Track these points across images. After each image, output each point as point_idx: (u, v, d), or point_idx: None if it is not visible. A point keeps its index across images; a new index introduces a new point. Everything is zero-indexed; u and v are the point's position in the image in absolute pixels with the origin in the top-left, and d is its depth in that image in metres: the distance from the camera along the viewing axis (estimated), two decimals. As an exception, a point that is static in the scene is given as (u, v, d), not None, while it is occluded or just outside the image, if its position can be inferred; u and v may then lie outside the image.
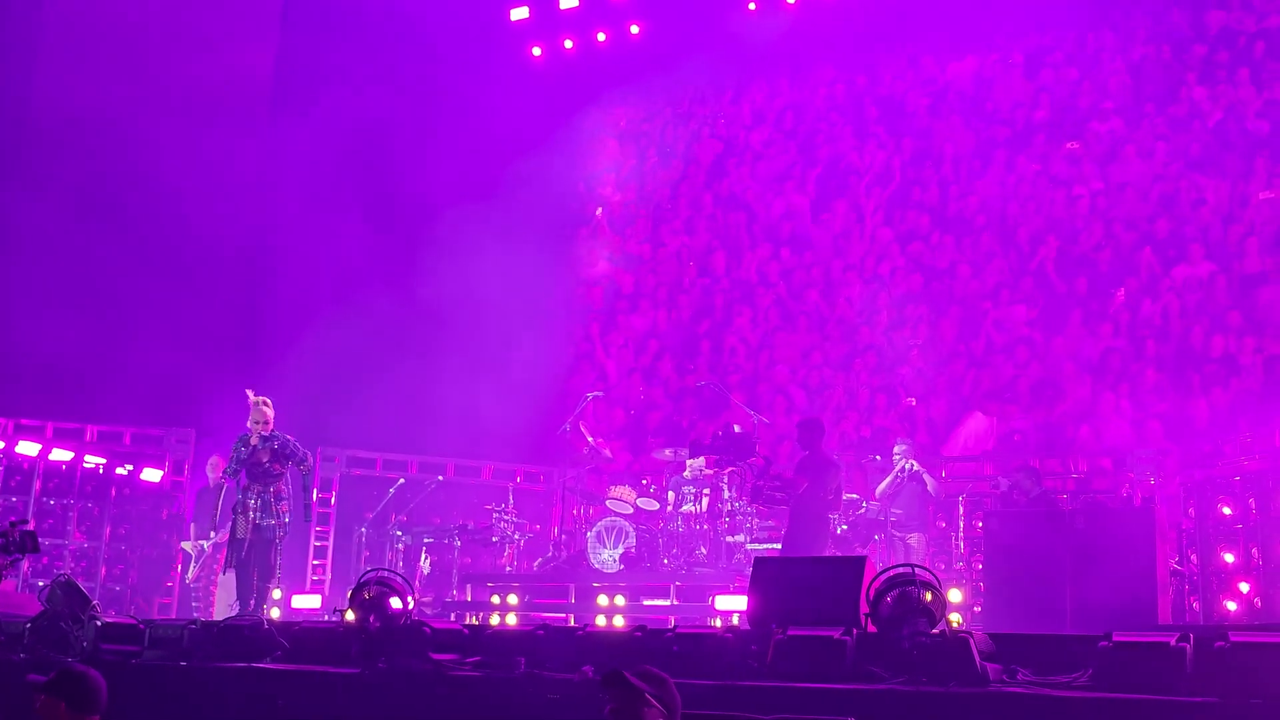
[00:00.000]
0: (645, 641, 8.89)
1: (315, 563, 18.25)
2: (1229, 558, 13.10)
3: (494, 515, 16.05)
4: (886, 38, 20.78)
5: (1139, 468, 14.29)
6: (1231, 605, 12.97)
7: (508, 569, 15.98)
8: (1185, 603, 13.48)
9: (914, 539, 14.05)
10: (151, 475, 17.84)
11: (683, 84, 22.02)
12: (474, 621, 13.79)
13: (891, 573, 8.49)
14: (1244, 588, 12.87)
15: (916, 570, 8.41)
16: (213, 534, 15.09)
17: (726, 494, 14.71)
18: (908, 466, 14.50)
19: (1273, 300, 16.65)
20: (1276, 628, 10.20)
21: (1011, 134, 19.77)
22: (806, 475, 13.08)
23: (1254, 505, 12.83)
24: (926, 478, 14.65)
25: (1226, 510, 13.21)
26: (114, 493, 17.10)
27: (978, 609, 12.80)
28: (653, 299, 21.64)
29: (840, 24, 20.70)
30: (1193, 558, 13.49)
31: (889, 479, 14.75)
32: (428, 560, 16.23)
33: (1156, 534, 11.80)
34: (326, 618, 13.60)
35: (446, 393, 18.36)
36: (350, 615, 9.65)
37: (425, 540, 16.29)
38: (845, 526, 14.00)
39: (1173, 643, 7.34)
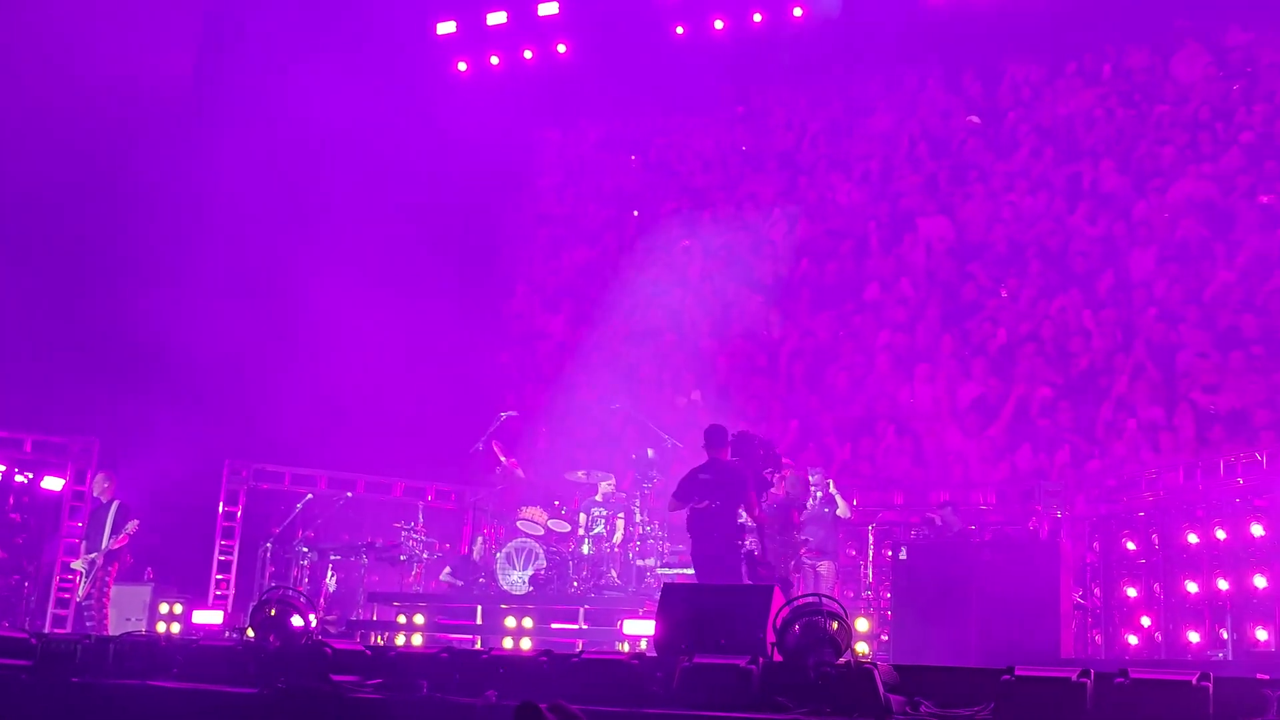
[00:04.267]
0: (551, 666, 8.80)
1: (219, 577, 18.02)
2: (1131, 592, 13.38)
3: (403, 533, 15.91)
4: (797, 68, 20.99)
5: (1046, 501, 14.54)
6: (1133, 639, 13.23)
7: (415, 588, 15.83)
8: (1088, 636, 13.71)
9: (824, 567, 14.12)
10: (52, 484, 17.47)
11: (610, 106, 22.08)
12: (379, 641, 13.68)
13: (798, 602, 8.53)
14: (1145, 622, 13.14)
15: (823, 600, 8.46)
16: (102, 545, 14.81)
17: (638, 517, 14.68)
18: (819, 493, 14.59)
19: (1180, 344, 17.14)
20: (1176, 665, 10.40)
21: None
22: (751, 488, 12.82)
23: (1157, 540, 13.12)
24: (839, 501, 14.76)
25: (1130, 545, 13.51)
26: (11, 500, 16.70)
27: (885, 638, 12.93)
28: (573, 321, 21.66)
29: (765, 52, 20.87)
30: (1096, 591, 13.74)
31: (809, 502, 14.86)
32: (334, 577, 16.03)
33: (1061, 567, 12.01)
34: (227, 635, 13.37)
35: (360, 408, 18.23)
36: (250, 633, 9.49)
37: (332, 557, 16.09)
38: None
39: (1074, 678, 7.41)
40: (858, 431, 18.56)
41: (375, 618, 15.23)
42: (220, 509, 18.44)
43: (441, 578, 16.27)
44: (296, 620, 9.71)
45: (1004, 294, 18.67)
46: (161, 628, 15.33)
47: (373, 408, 18.49)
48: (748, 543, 12.12)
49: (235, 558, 18.13)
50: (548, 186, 23.03)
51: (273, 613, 9.65)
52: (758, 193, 21.39)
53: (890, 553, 13.92)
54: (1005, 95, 20.16)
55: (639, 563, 14.54)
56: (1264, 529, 12.24)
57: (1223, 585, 12.43)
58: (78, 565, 15.41)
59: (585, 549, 14.72)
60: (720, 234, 21.33)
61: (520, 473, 16.41)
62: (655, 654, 9.17)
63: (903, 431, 18.36)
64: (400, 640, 13.86)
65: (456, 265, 20.51)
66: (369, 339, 18.97)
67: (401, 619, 14.41)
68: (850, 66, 20.74)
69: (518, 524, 15.21)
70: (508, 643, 13.24)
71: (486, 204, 22.19)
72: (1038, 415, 17.52)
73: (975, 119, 20.22)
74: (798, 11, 20.16)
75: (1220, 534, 12.57)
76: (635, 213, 22.20)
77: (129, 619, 12.76)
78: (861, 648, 11.02)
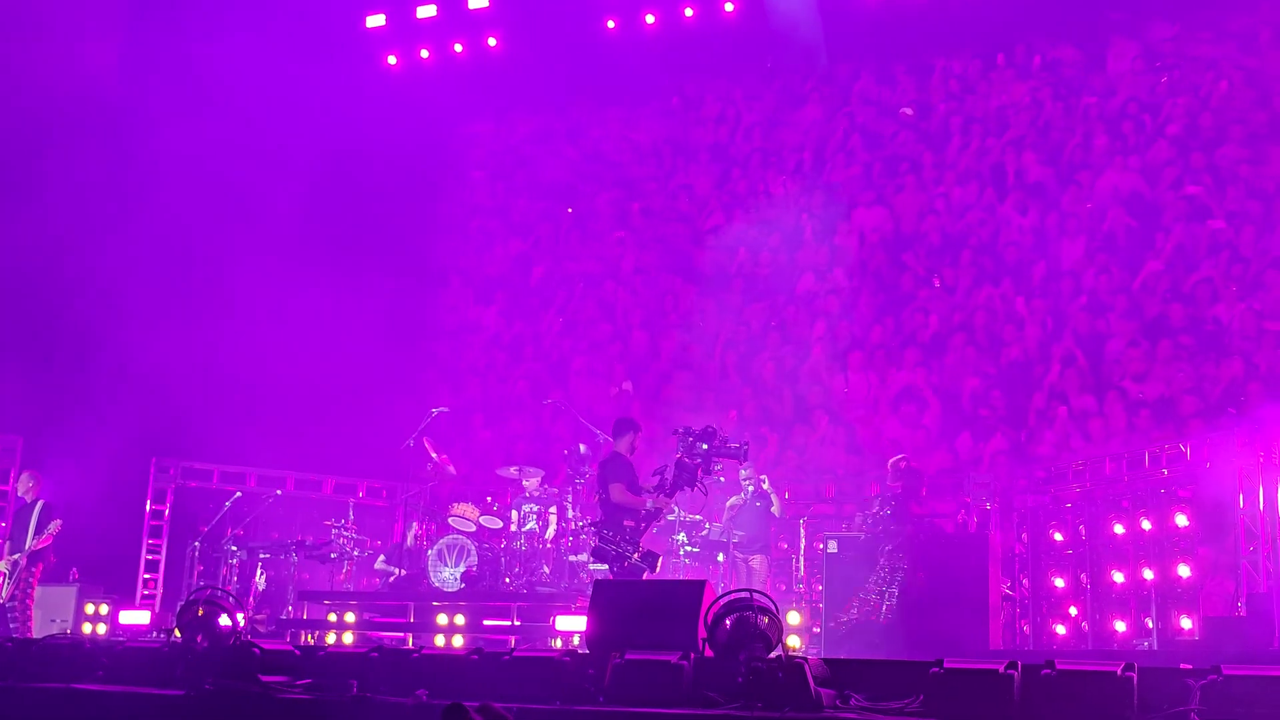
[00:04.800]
0: (482, 664, 8.80)
1: (146, 576, 17.80)
2: (1059, 582, 13.55)
3: (333, 531, 15.77)
4: (730, 61, 20.98)
5: (975, 493, 14.66)
6: (1060, 629, 13.39)
7: (346, 586, 15.69)
8: (1017, 626, 13.87)
9: (756, 561, 14.13)
10: (-27, 482, 17.19)
11: (543, 98, 21.96)
12: (309, 641, 13.57)
13: (730, 597, 8.53)
14: (1073, 611, 13.31)
15: (754, 595, 8.47)
16: (26, 546, 14.57)
17: (571, 512, 14.63)
18: (750, 488, 14.60)
19: (1109, 333, 17.36)
20: (1102, 655, 10.52)
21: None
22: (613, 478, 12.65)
23: (1084, 531, 13.28)
24: (774, 499, 14.78)
25: (1058, 536, 13.66)
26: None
27: (817, 630, 12.97)
28: (507, 314, 21.56)
29: (698, 46, 20.84)
30: (1024, 582, 13.90)
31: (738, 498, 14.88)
32: (263, 576, 15.85)
33: (990, 559, 12.12)
34: (153, 636, 13.19)
35: (289, 404, 18.04)
36: (177, 634, 9.37)
37: (262, 556, 15.90)
38: (696, 549, 14.04)
39: (1001, 670, 7.48)
40: (791, 421, 18.64)
41: (305, 616, 15.09)
42: (147, 507, 18.20)
43: (376, 566, 16.15)
44: (224, 620, 9.57)
45: (936, 283, 18.79)
46: (87, 629, 15.14)
47: (303, 404, 18.31)
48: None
49: (163, 557, 17.91)
50: (480, 179, 22.89)
51: (200, 613, 9.50)
52: (691, 184, 21.41)
53: (821, 546, 13.96)
54: (937, 87, 20.27)
55: (571, 558, 14.47)
56: (1188, 519, 12.43)
57: (1148, 575, 12.62)
58: (1, 566, 15.16)
59: (518, 545, 14.63)
60: (654, 225, 21.33)
61: (452, 469, 16.30)
62: (587, 650, 9.13)
63: (836, 421, 18.49)
64: (331, 639, 13.73)
65: (388, 258, 20.34)
66: (298, 334, 18.78)
67: (332, 617, 14.30)
68: (783, 59, 20.75)
69: (449, 520, 15.09)
70: (440, 640, 13.19)
71: (418, 197, 22.00)
72: (971, 404, 17.70)
73: (908, 111, 20.32)
74: (729, 6, 20.09)
75: (1145, 524, 12.75)
76: (569, 209, 22.11)
77: (54, 620, 12.55)
78: (793, 641, 11.07)
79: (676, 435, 12.18)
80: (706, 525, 14.26)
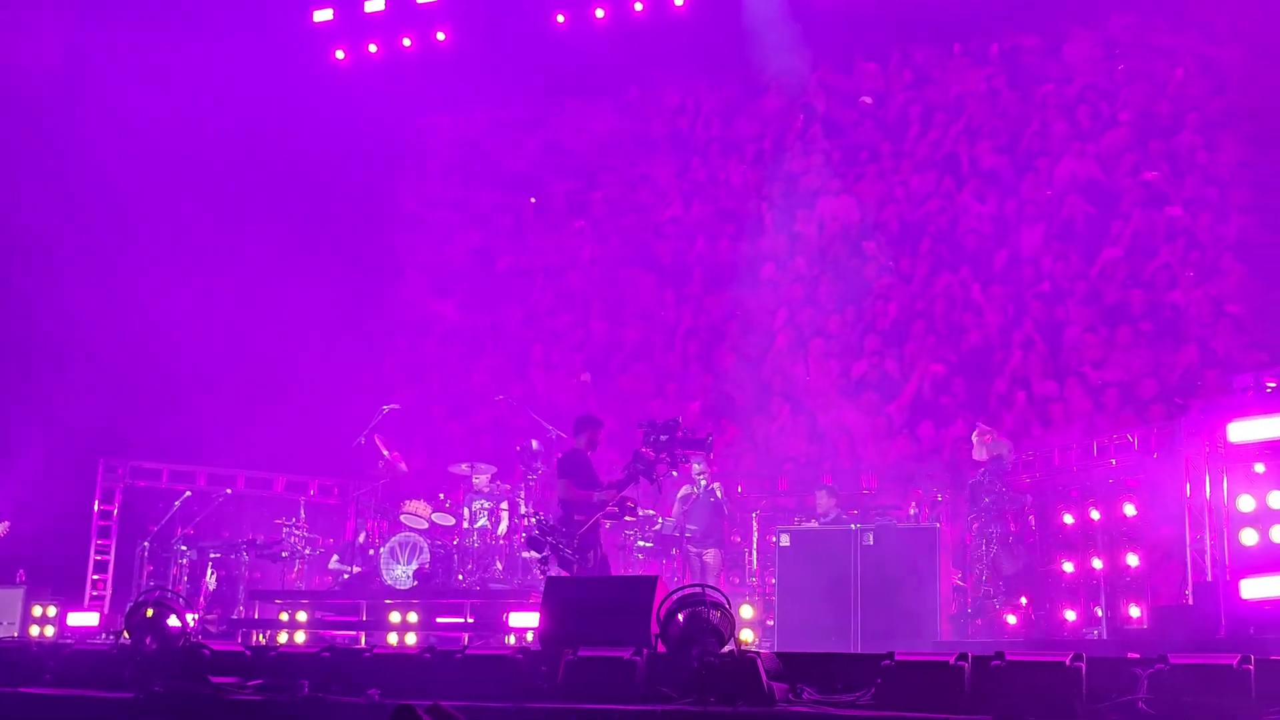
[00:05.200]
0: (435, 663, 8.80)
1: (95, 577, 17.61)
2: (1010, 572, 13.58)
3: (284, 529, 15.65)
4: (688, 51, 20.91)
5: (926, 485, 14.69)
6: (1011, 619, 13.45)
7: (298, 585, 15.58)
8: (967, 617, 13.90)
9: (710, 555, 14.07)
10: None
11: (499, 89, 21.82)
12: (260, 641, 13.50)
13: (682, 592, 8.57)
14: (1023, 601, 13.36)
15: (707, 590, 8.49)
16: None
17: (523, 509, 14.57)
18: (703, 481, 14.57)
19: (1068, 319, 17.43)
20: (1052, 645, 10.56)
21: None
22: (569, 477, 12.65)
23: (1034, 521, 13.34)
24: (719, 493, 14.75)
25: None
26: None
27: (770, 623, 12.95)
28: (466, 306, 21.45)
29: (652, 38, 20.76)
30: (975, 572, 13.92)
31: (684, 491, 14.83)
32: (214, 576, 15.72)
33: (940, 551, 12.15)
34: (102, 638, 13.07)
35: (240, 401, 17.89)
36: (126, 635, 9.30)
37: (212, 555, 15.77)
38: (649, 544, 13.99)
39: (952, 661, 7.52)
40: (752, 411, 18.64)
41: (257, 616, 14.98)
42: (96, 508, 17.95)
43: (330, 565, 16.05)
44: (174, 621, 9.57)
45: (890, 265, 18.79)
46: (35, 631, 14.98)
47: (254, 400, 18.18)
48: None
49: (112, 557, 17.70)
50: (437, 170, 22.74)
51: (150, 614, 9.52)
52: (650, 174, 21.32)
53: (774, 539, 13.94)
54: (895, 76, 20.25)
55: (524, 555, 14.34)
56: (1136, 509, 12.50)
57: (1097, 564, 12.69)
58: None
59: (470, 542, 14.55)
60: (613, 215, 21.26)
61: (403, 466, 16.22)
62: (540, 647, 9.12)
63: (798, 410, 18.51)
64: (282, 639, 13.64)
65: (342, 252, 20.21)
66: (249, 329, 18.67)
67: (284, 617, 14.19)
68: (742, 48, 20.68)
69: (401, 518, 15.03)
70: (392, 639, 13.15)
71: (373, 190, 21.84)
72: (932, 391, 17.75)
73: (867, 99, 20.30)
74: (679, 1, 20.03)
75: (1095, 514, 12.82)
76: (532, 199, 22.00)
77: (1, 623, 12.38)
78: (746, 635, 11.06)
79: (640, 428, 12.20)
80: (659, 520, 14.21)
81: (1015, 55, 19.47)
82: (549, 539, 11.75)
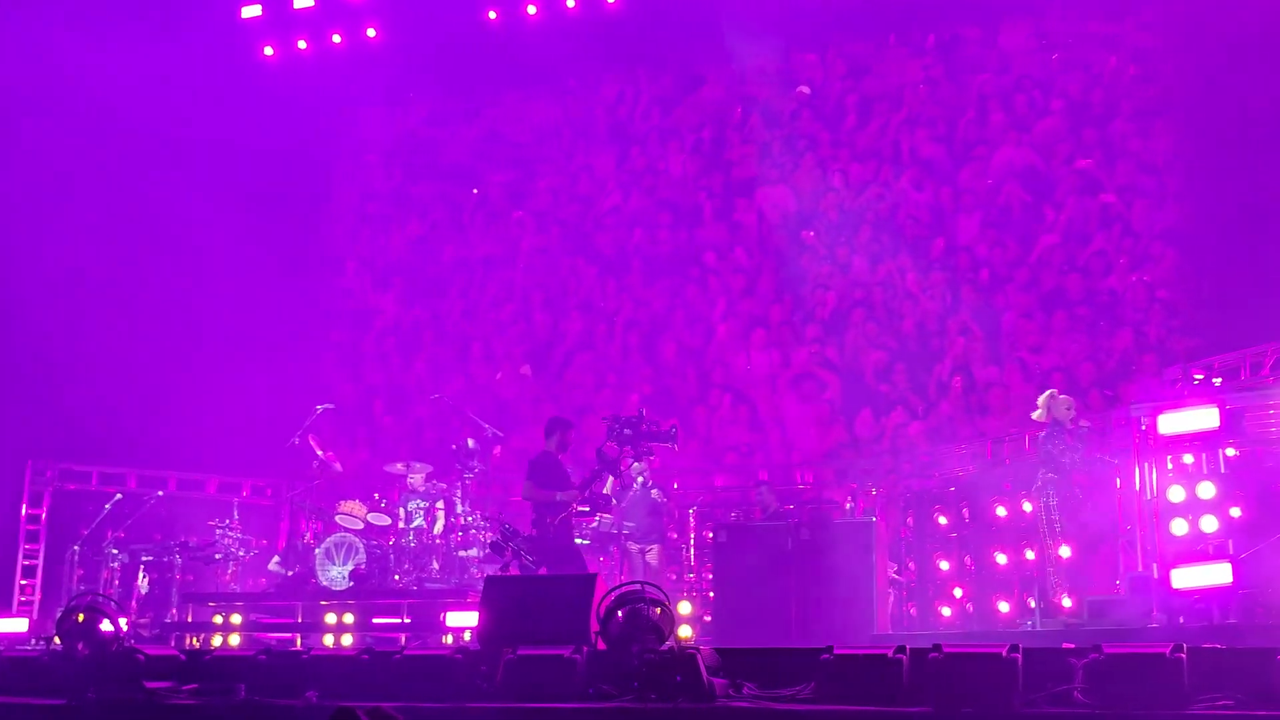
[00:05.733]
0: (373, 664, 8.78)
1: (24, 582, 17.30)
2: (944, 565, 13.70)
3: (218, 531, 15.47)
4: (626, 41, 20.85)
5: (861, 478, 14.78)
6: (946, 611, 13.58)
7: (232, 587, 15.41)
8: (903, 609, 14.04)
9: (653, 553, 13.93)
10: None
11: (436, 82, 21.67)
12: (195, 644, 13.37)
13: (621, 590, 8.58)
14: (958, 593, 13.47)
15: (646, 587, 8.50)
16: None
17: (460, 508, 14.50)
18: (640, 479, 14.52)
19: (1006, 306, 17.60)
20: (988, 637, 10.63)
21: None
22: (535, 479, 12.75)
23: (967, 514, 13.44)
24: (656, 495, 14.71)
25: (942, 519, 13.82)
26: None
27: (708, 619, 12.95)
28: (406, 298, 21.31)
29: (586, 31, 20.68)
30: (911, 565, 14.06)
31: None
32: (145, 579, 15.46)
33: (876, 544, 12.21)
34: (32, 644, 12.85)
35: (171, 401, 17.68)
36: (57, 641, 9.17)
37: (144, 558, 15.49)
38: (586, 541, 13.95)
39: (890, 654, 7.59)
40: (694, 401, 18.64)
41: (190, 619, 14.75)
42: (23, 511, 17.59)
43: (270, 568, 15.89)
44: (106, 626, 9.42)
45: (818, 260, 18.87)
46: (-38, 640, 14.71)
47: (185, 400, 17.93)
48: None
49: (41, 562, 17.37)
50: (375, 162, 22.56)
51: (81, 619, 9.38)
52: (591, 164, 21.25)
53: (711, 534, 13.94)
54: (834, 65, 20.31)
55: (461, 554, 14.39)
56: (1069, 500, 12.60)
57: (1030, 556, 12.78)
58: None
59: (407, 542, 14.47)
60: (553, 206, 21.18)
61: (338, 466, 16.08)
62: (479, 647, 9.11)
63: (739, 400, 18.55)
64: (217, 642, 13.53)
65: (278, 246, 19.94)
66: (181, 327, 18.47)
67: (218, 620, 14.04)
68: (681, 39, 20.67)
69: (336, 518, 14.88)
70: (329, 640, 13.08)
71: (310, 183, 21.66)
72: (872, 379, 17.85)
73: (805, 89, 20.34)
74: (611, -1, 20.08)
75: (1027, 506, 12.91)
76: (475, 190, 21.86)
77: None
78: (685, 631, 11.04)
79: (604, 422, 12.23)
80: (597, 517, 14.15)
81: (952, 45, 19.60)
82: (510, 544, 11.86)
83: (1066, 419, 12.00)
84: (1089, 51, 18.67)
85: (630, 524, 14.14)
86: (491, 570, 11.71)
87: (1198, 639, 8.20)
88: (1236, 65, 16.29)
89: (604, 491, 12.74)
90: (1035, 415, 12.56)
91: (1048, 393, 12.39)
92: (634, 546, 13.50)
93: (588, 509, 12.79)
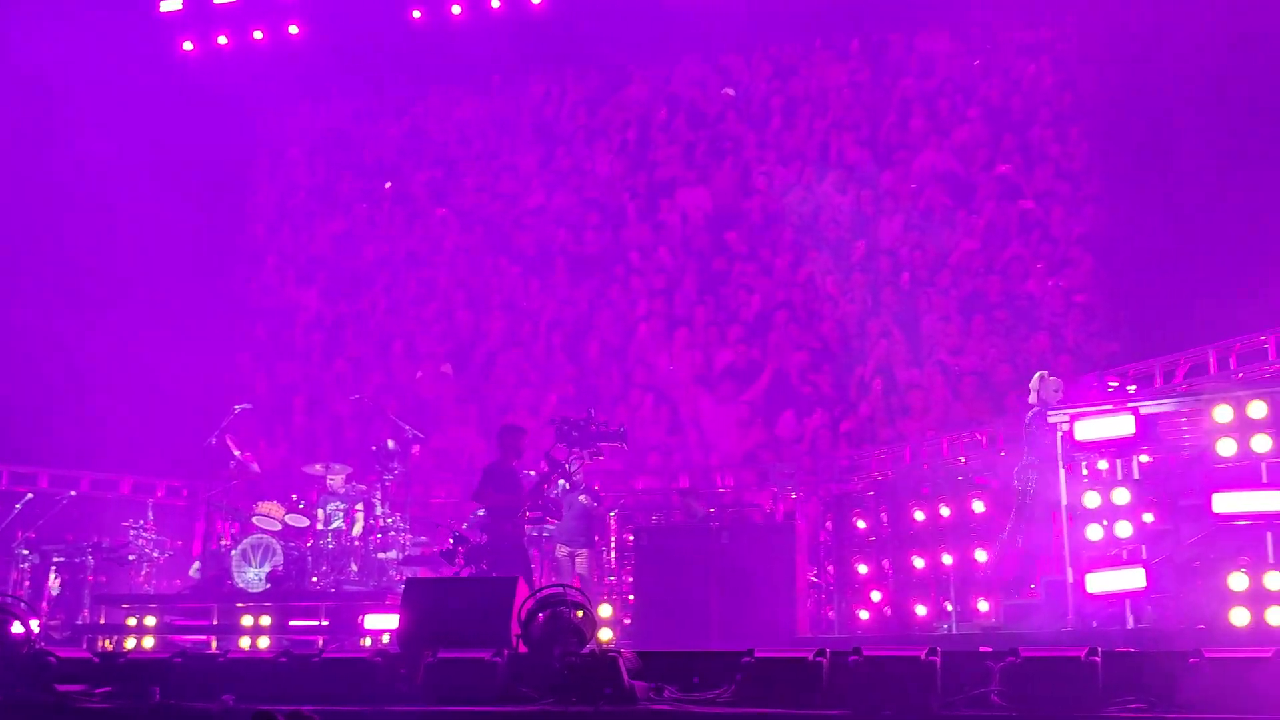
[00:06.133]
0: (290, 666, 8.76)
1: (-71, 586, 16.90)
2: (862, 568, 13.81)
3: (131, 532, 15.23)
4: (553, 41, 20.80)
5: (782, 482, 14.85)
6: (864, 614, 13.67)
7: (146, 589, 15.17)
8: (823, 612, 14.13)
9: (582, 559, 13.84)
10: None
11: (361, 78, 21.46)
12: (108, 646, 13.19)
13: (543, 593, 8.58)
14: (876, 597, 13.58)
15: (567, 590, 8.52)
16: None
17: (379, 509, 14.41)
18: (563, 484, 14.46)
19: (927, 309, 17.75)
20: (907, 641, 10.74)
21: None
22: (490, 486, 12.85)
23: (886, 518, 13.56)
24: (583, 500, 14.65)
25: (861, 523, 13.93)
26: None
27: (628, 622, 12.98)
28: (328, 295, 21.10)
29: (513, 31, 20.62)
30: (830, 569, 14.15)
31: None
32: (57, 580, 15.15)
33: (796, 547, 12.30)
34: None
35: (84, 398, 17.37)
36: (-36, 645, 9.03)
37: (55, 559, 15.18)
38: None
39: (810, 657, 7.64)
40: (615, 400, 18.64)
41: (103, 621, 14.50)
42: None
43: (191, 574, 15.67)
44: (17, 628, 9.35)
45: (741, 261, 18.96)
46: None
47: (99, 398, 17.63)
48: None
49: (-53, 564, 17.06)
50: (298, 157, 22.32)
51: (-11, 621, 9.18)
52: (515, 163, 21.18)
53: (632, 537, 13.95)
54: (759, 67, 20.41)
55: (380, 555, 14.29)
56: (984, 505, 12.78)
57: (947, 560, 12.93)
58: None
59: (325, 544, 14.34)
60: (477, 204, 21.09)
61: (256, 466, 15.91)
62: (399, 650, 9.07)
63: (661, 400, 18.58)
64: (130, 644, 13.33)
65: (197, 242, 19.68)
66: (96, 323, 18.12)
67: (132, 622, 13.83)
68: (607, 39, 20.65)
69: (254, 520, 14.71)
70: (245, 643, 12.96)
71: (230, 179, 21.45)
72: (793, 381, 17.97)
73: (730, 91, 20.42)
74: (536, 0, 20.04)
75: (945, 511, 13.06)
76: (388, 184, 21.70)
77: None
78: (606, 635, 11.05)
79: (553, 424, 12.24)
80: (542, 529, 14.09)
81: (877, 50, 19.78)
82: (461, 548, 12.08)
83: (1053, 401, 12.08)
84: (1009, 58, 18.96)
85: (550, 526, 14.10)
86: (410, 572, 11.66)
87: (1112, 643, 8.34)
88: (1154, 73, 16.60)
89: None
90: (1031, 399, 12.54)
91: (1038, 374, 12.41)
92: (563, 550, 13.44)
93: (540, 514, 12.85)
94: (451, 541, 12.27)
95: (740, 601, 11.74)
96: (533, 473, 13.19)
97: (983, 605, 12.38)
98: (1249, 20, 15.62)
